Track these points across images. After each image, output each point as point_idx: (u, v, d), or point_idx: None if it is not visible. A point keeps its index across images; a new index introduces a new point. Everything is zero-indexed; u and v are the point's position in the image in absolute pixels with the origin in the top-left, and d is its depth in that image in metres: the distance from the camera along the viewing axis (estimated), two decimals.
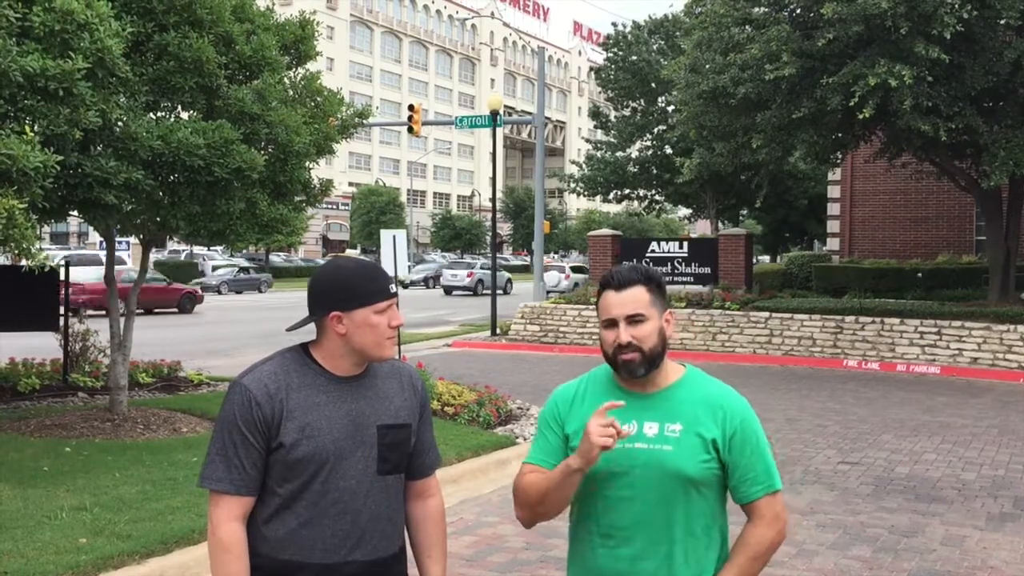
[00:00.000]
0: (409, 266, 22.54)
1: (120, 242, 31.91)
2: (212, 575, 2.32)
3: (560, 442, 2.49)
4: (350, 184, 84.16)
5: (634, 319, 2.36)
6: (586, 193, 37.55)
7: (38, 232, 8.27)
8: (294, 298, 35.58)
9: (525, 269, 68.03)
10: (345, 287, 2.36)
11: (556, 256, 79.91)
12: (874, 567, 5.99)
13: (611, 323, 2.39)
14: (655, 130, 35.84)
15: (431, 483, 2.61)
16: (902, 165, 19.89)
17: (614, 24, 37.03)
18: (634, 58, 35.14)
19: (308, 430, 2.34)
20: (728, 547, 2.50)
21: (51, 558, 5.32)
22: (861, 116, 15.14)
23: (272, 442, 2.34)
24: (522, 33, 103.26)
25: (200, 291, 33.00)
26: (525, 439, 9.22)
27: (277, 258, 61.76)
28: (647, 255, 20.29)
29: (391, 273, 13.67)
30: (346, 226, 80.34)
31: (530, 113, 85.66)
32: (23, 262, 7.64)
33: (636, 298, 2.38)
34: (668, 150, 35.52)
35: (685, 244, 20.83)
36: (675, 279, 19.90)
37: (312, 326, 2.46)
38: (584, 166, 37.78)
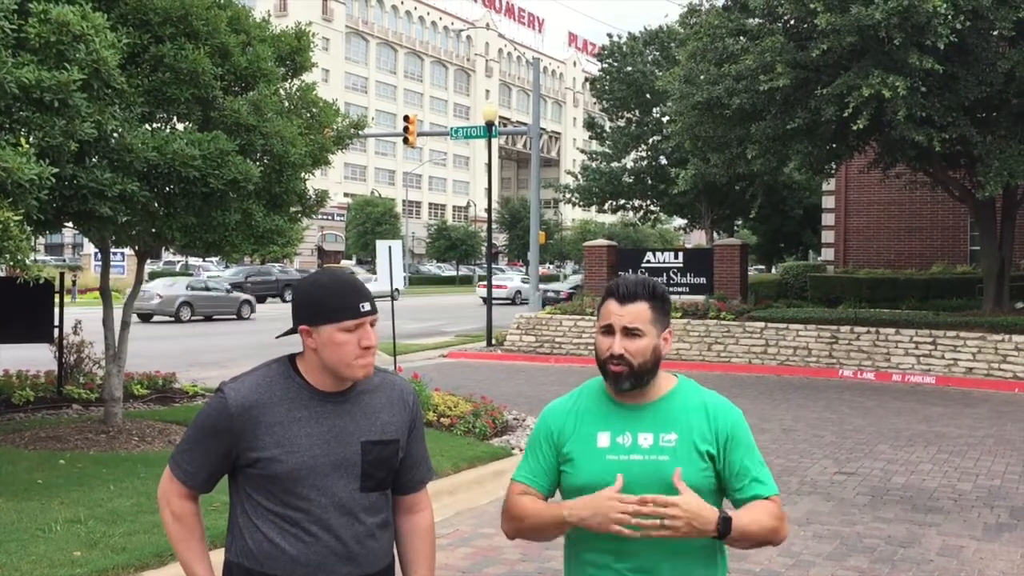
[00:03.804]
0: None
1: (115, 253, 31.86)
2: (168, 537, 2.47)
3: (550, 461, 2.48)
4: (345, 195, 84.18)
5: (631, 332, 2.36)
6: (581, 203, 37.60)
7: (33, 243, 8.26)
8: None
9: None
10: (314, 301, 2.34)
11: (552, 266, 79.95)
12: None
13: (608, 330, 2.38)
14: (650, 141, 35.93)
15: (421, 498, 2.59)
16: (896, 175, 19.94)
17: (609, 35, 37.18)
18: (629, 69, 35.25)
19: (288, 446, 2.32)
20: (727, 562, 2.49)
21: (45, 571, 5.29)
22: (855, 127, 15.19)
23: (246, 454, 2.34)
24: (517, 44, 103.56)
25: None
26: (521, 450, 9.20)
27: (273, 268, 61.62)
28: (643, 265, 20.31)
29: (387, 284, 13.53)
30: (341, 237, 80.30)
31: (525, 124, 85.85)
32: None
33: (638, 313, 2.37)
34: (663, 161, 35.61)
35: (680, 254, 20.85)
36: (671, 289, 19.84)
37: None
38: (579, 176, 37.84)
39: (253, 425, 2.32)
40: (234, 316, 32.44)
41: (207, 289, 32.83)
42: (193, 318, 31.17)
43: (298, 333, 2.39)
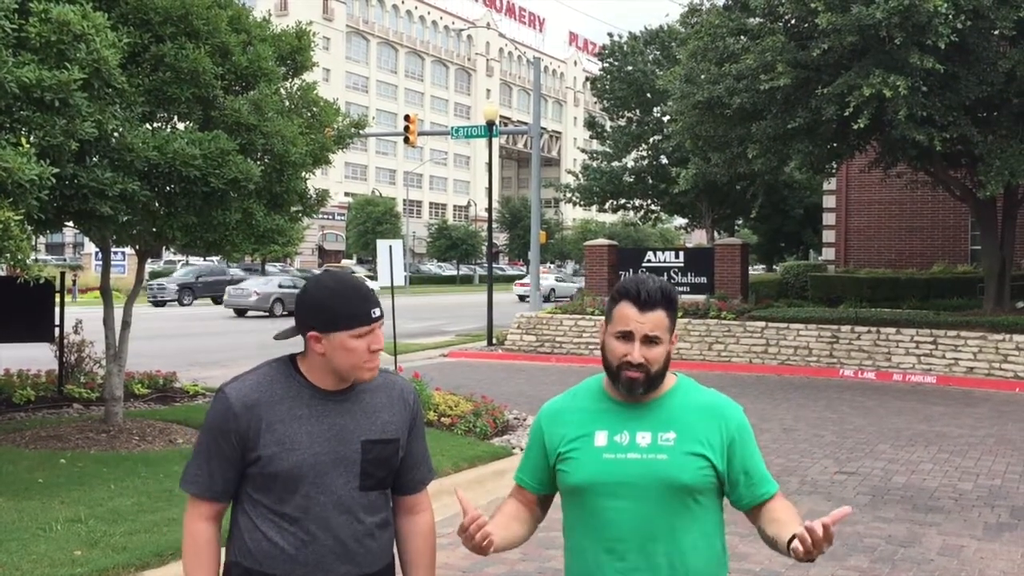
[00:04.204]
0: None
1: (116, 253, 31.86)
2: (182, 566, 2.40)
3: (538, 461, 2.53)
4: (346, 194, 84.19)
5: (651, 340, 2.36)
6: (582, 203, 37.60)
7: (33, 243, 8.26)
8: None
9: (517, 279, 68.09)
10: (325, 308, 2.33)
11: (552, 266, 79.95)
12: None
13: (627, 336, 2.36)
14: (651, 140, 35.92)
15: (421, 498, 2.59)
16: (897, 175, 19.93)
17: (610, 34, 37.17)
18: (629, 68, 35.24)
19: (288, 443, 2.33)
20: (728, 560, 2.49)
21: (46, 571, 5.30)
22: (856, 126, 15.18)
23: (249, 453, 2.33)
24: (517, 43, 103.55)
25: None
26: (522, 449, 9.18)
27: (273, 268, 61.68)
28: (643, 265, 20.30)
29: (386, 283, 13.59)
30: (342, 236, 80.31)
31: (526, 123, 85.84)
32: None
33: (658, 321, 2.37)
34: (664, 160, 35.60)
35: (681, 254, 20.86)
36: None
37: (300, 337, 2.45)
38: (580, 176, 37.84)
39: (257, 422, 2.33)
40: None
41: (295, 287, 35.63)
42: (283, 313, 33.80)
43: (303, 337, 2.40)
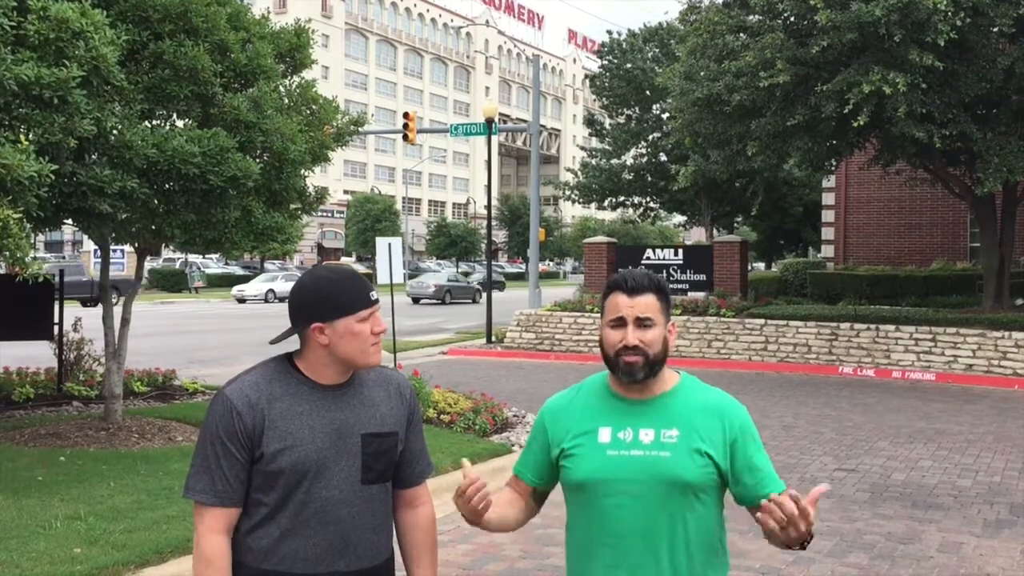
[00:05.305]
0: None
1: (115, 250, 31.81)
2: None
3: (539, 456, 2.55)
4: (345, 192, 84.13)
5: (643, 322, 2.38)
6: (581, 201, 37.59)
7: (32, 241, 8.25)
8: None
9: (520, 276, 68.22)
10: (325, 298, 2.35)
11: (552, 263, 79.90)
12: (871, 574, 5.99)
13: (619, 322, 2.39)
14: (650, 137, 35.91)
15: (421, 492, 2.60)
16: (896, 172, 19.94)
17: (609, 32, 37.14)
18: (629, 66, 35.22)
19: (290, 439, 2.32)
20: (728, 558, 2.49)
21: (45, 568, 5.30)
22: (855, 123, 15.18)
23: (255, 452, 2.33)
24: (516, 41, 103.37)
25: None
26: (521, 447, 9.20)
27: (272, 266, 61.66)
28: (642, 262, 20.29)
29: (386, 280, 13.60)
30: (341, 234, 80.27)
31: (525, 121, 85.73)
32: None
33: (648, 304, 2.40)
34: (663, 157, 35.60)
35: (680, 251, 20.85)
36: (671, 286, 19.89)
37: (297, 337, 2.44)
38: (579, 174, 37.83)
39: (260, 420, 2.33)
40: (471, 301, 42.74)
41: (458, 281, 45.30)
42: (452, 301, 41.84)
43: (300, 334, 2.39)
